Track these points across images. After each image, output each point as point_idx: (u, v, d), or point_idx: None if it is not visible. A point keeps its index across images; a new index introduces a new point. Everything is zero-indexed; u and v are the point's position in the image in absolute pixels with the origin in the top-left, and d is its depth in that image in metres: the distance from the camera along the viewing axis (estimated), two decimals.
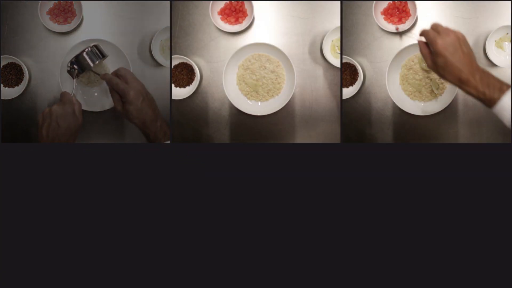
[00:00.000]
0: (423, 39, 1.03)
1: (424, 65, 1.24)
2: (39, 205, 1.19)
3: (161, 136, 1.17)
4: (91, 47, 1.18)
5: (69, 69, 1.19)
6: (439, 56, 0.98)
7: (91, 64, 1.18)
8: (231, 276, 1.18)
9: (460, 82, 0.98)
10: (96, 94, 1.27)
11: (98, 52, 1.19)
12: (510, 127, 0.96)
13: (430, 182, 1.24)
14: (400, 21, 1.27)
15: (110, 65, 1.25)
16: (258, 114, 1.26)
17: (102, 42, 1.23)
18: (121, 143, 1.28)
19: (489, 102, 0.97)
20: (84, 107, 1.24)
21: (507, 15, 1.24)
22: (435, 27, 1.01)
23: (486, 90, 0.96)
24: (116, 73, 1.17)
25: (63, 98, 1.15)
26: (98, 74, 1.21)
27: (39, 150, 1.15)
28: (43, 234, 1.16)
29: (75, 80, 1.19)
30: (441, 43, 0.97)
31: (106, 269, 1.14)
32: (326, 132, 1.29)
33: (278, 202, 1.19)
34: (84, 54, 1.18)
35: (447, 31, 0.99)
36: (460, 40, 0.98)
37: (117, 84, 1.14)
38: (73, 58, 1.18)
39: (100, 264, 1.14)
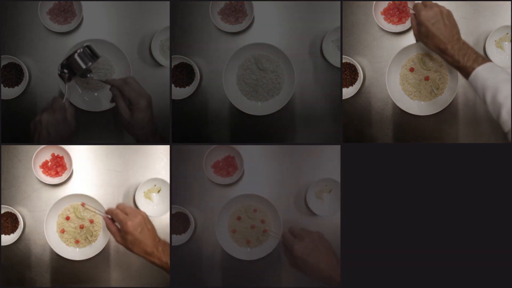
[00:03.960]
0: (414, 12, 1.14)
1: (425, 65, 1.25)
2: None
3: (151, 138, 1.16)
4: (83, 48, 1.12)
5: (59, 72, 1.13)
6: (422, 25, 1.09)
7: (84, 66, 1.12)
8: None
9: (439, 50, 1.09)
10: (96, 94, 1.26)
11: (90, 53, 1.13)
12: (481, 97, 1.04)
13: (430, 182, 1.24)
14: (400, 21, 1.27)
15: (113, 62, 1.25)
16: (258, 114, 1.26)
17: (102, 42, 1.23)
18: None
19: (464, 71, 1.07)
20: (84, 107, 1.24)
21: (507, 15, 1.24)
22: (424, 2, 1.12)
23: (461, 59, 1.06)
24: (126, 80, 1.12)
25: (54, 105, 1.10)
26: (104, 81, 1.15)
27: None
28: None
29: (66, 85, 1.14)
30: (424, 14, 1.09)
31: None
32: (326, 132, 1.29)
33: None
34: (76, 56, 1.11)
35: (432, 5, 1.10)
36: (443, 13, 1.09)
37: (130, 88, 1.10)
38: (64, 61, 1.12)
39: None
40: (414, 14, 1.12)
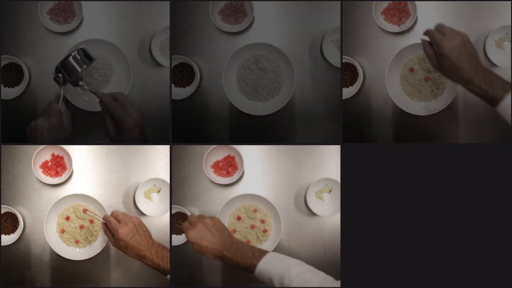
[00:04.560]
0: (427, 38, 1.05)
1: (425, 65, 1.25)
2: None
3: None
4: (77, 51, 1.11)
5: (54, 77, 1.12)
6: (445, 58, 1.00)
7: (79, 69, 1.11)
8: None
9: (464, 82, 1.00)
10: None
11: (85, 56, 1.12)
12: None
13: (430, 182, 1.24)
14: (400, 21, 1.27)
15: (113, 62, 1.25)
16: (258, 114, 1.26)
17: (102, 42, 1.23)
18: None
19: (492, 101, 0.99)
20: (84, 107, 1.24)
21: (507, 15, 1.24)
22: (440, 28, 1.03)
23: (489, 89, 0.98)
24: (115, 97, 1.11)
25: (49, 110, 1.09)
26: (94, 93, 1.13)
27: None
28: None
29: (62, 89, 1.12)
30: (447, 46, 0.99)
31: None
32: (326, 132, 1.29)
33: None
34: (70, 59, 1.10)
35: (452, 33, 1.01)
36: (464, 41, 1.00)
37: (118, 107, 1.09)
38: (58, 64, 1.11)
39: None
40: (429, 42, 1.04)
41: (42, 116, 1.09)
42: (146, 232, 1.11)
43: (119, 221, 1.10)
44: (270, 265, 0.97)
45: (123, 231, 1.08)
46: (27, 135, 1.10)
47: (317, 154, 1.28)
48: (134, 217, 1.11)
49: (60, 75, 1.11)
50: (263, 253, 1.00)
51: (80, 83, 1.17)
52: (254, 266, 0.98)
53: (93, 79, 1.26)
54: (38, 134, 1.07)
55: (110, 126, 1.10)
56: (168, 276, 1.09)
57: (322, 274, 0.96)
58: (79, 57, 1.11)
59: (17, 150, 1.26)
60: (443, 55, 1.00)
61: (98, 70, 1.25)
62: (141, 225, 1.11)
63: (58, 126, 1.09)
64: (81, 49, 1.13)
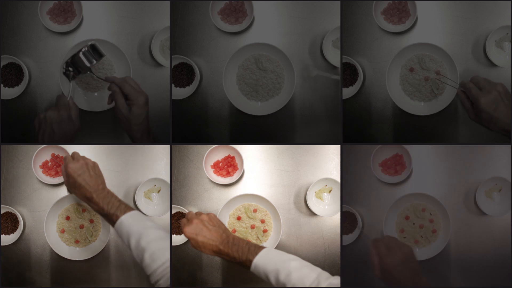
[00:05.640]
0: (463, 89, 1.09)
1: (425, 65, 1.25)
2: None
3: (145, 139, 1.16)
4: (88, 47, 1.14)
5: (64, 71, 1.15)
6: (483, 112, 1.04)
7: (88, 65, 1.15)
8: None
9: (503, 131, 1.04)
10: (96, 94, 1.27)
11: (95, 52, 1.15)
12: None
13: (430, 182, 1.24)
14: (400, 21, 1.27)
15: (113, 62, 1.25)
16: (258, 114, 1.26)
17: (102, 42, 1.23)
18: None
19: None
20: (84, 107, 1.24)
21: (507, 15, 1.24)
22: (476, 82, 1.07)
23: None
24: (124, 79, 1.13)
25: (58, 103, 1.11)
26: (102, 79, 1.16)
27: None
28: None
29: (71, 83, 1.16)
30: (484, 102, 1.04)
31: None
32: (326, 132, 1.29)
33: None
34: (81, 54, 1.14)
35: (489, 87, 1.05)
36: (500, 93, 1.04)
37: (130, 86, 1.11)
38: (68, 59, 1.15)
39: None
40: (466, 95, 1.08)
41: (51, 109, 1.11)
42: (99, 176, 1.11)
43: (72, 158, 1.10)
44: (266, 260, 0.98)
45: (72, 166, 1.08)
46: (34, 128, 1.11)
47: (317, 154, 1.28)
48: (89, 159, 1.11)
49: (70, 68, 1.14)
50: (259, 248, 1.00)
51: (88, 72, 1.18)
52: (250, 261, 0.99)
53: (93, 79, 1.26)
54: (48, 126, 1.09)
55: (123, 104, 1.12)
56: (146, 258, 1.00)
57: (317, 270, 0.96)
58: (88, 53, 1.14)
59: (17, 150, 1.26)
60: (480, 110, 1.04)
61: (98, 70, 1.25)
62: (96, 167, 1.11)
63: (67, 119, 1.10)
64: (92, 45, 1.15)
